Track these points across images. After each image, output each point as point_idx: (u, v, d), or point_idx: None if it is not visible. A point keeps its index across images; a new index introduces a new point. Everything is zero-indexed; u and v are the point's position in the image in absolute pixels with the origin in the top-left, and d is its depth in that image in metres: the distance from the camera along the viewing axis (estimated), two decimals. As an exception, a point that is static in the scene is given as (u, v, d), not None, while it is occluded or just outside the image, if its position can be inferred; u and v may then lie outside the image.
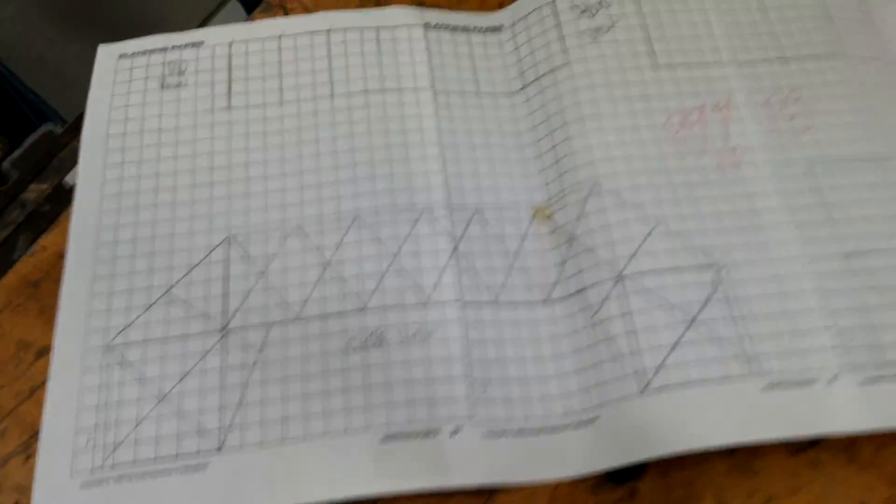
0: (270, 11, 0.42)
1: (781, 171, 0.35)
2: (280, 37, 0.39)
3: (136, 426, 0.30)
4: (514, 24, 0.40)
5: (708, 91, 0.37)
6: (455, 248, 0.34)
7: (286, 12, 0.43)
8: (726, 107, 0.37)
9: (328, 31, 0.39)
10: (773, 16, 0.39)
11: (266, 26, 0.39)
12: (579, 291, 0.33)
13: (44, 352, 0.32)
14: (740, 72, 0.37)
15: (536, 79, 0.38)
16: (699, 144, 0.36)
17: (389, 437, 0.30)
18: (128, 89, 0.37)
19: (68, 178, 0.35)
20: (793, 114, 0.36)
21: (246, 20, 0.41)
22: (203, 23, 1.42)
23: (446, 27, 0.40)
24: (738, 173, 0.35)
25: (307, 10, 0.42)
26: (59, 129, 0.38)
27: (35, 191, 0.34)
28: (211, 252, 0.33)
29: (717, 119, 0.36)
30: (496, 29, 0.40)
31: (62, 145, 0.37)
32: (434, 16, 0.40)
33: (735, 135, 0.36)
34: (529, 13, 0.40)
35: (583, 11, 0.39)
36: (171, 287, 0.33)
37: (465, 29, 0.40)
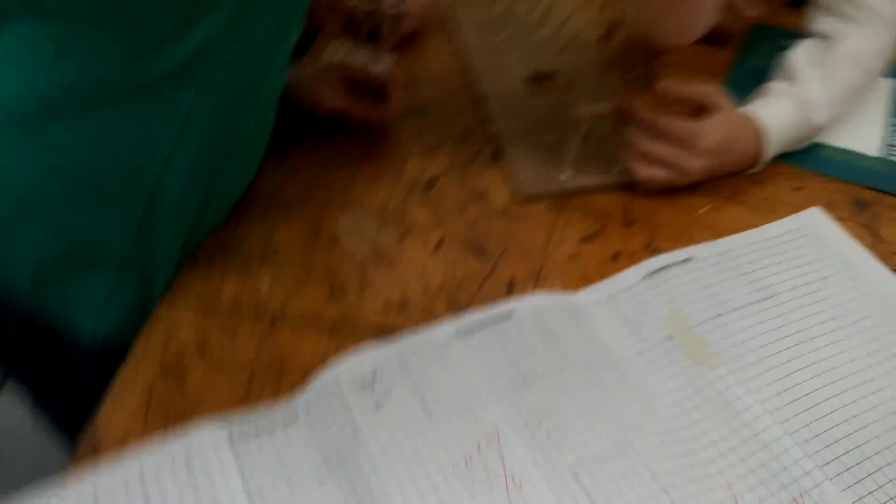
0: (81, 460, 0.47)
1: (553, 482, 0.44)
2: (94, 491, 0.43)
3: None
4: (308, 412, 0.48)
5: (479, 430, 0.46)
6: None
7: (96, 453, 0.47)
8: (496, 439, 0.46)
9: (141, 472, 0.44)
10: (512, 346, 0.51)
11: (76, 486, 0.43)
12: None
13: None
14: (499, 405, 0.47)
15: (339, 457, 0.45)
16: (484, 478, 0.44)
17: None
18: None
19: None
20: (549, 429, 0.46)
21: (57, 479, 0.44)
22: None
23: (251, 433, 0.46)
24: (521, 494, 0.43)
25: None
26: None
27: None
28: None
29: (493, 452, 0.45)
30: (294, 420, 0.48)
31: None
32: (238, 426, 0.46)
33: (509, 462, 0.45)
34: (320, 399, 0.48)
35: (363, 388, 0.48)
36: None
37: (269, 429, 0.47)
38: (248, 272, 0.59)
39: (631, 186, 0.66)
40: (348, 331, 0.55)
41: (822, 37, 0.70)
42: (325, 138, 0.71)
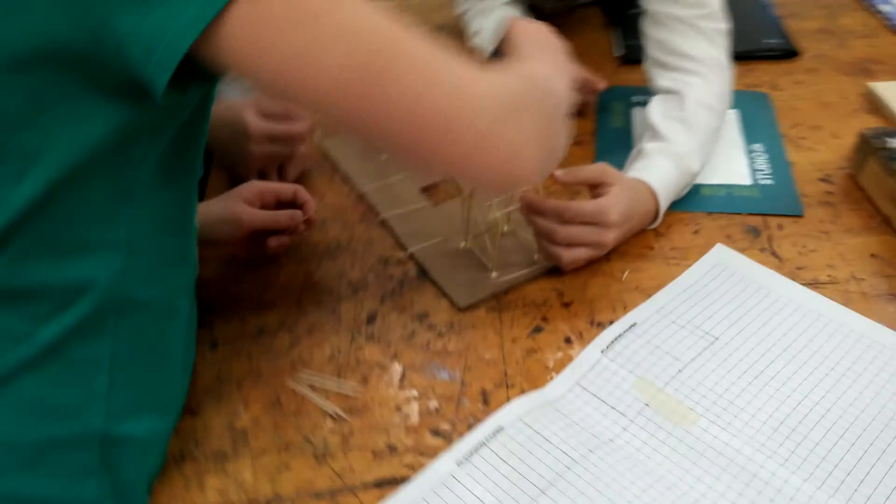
0: None
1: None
2: None
3: None
4: None
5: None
6: None
7: None
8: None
9: None
10: (513, 460, 0.54)
11: None
12: None
13: None
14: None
15: None
16: None
17: None
18: None
19: None
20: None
21: None
22: None
23: None
24: None
25: None
26: None
27: None
28: None
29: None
30: None
31: None
32: None
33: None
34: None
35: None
36: None
37: None
38: (225, 467, 0.58)
39: (554, 269, 0.71)
40: (349, 496, 0.55)
41: (668, 92, 0.80)
42: (248, 305, 0.71)
